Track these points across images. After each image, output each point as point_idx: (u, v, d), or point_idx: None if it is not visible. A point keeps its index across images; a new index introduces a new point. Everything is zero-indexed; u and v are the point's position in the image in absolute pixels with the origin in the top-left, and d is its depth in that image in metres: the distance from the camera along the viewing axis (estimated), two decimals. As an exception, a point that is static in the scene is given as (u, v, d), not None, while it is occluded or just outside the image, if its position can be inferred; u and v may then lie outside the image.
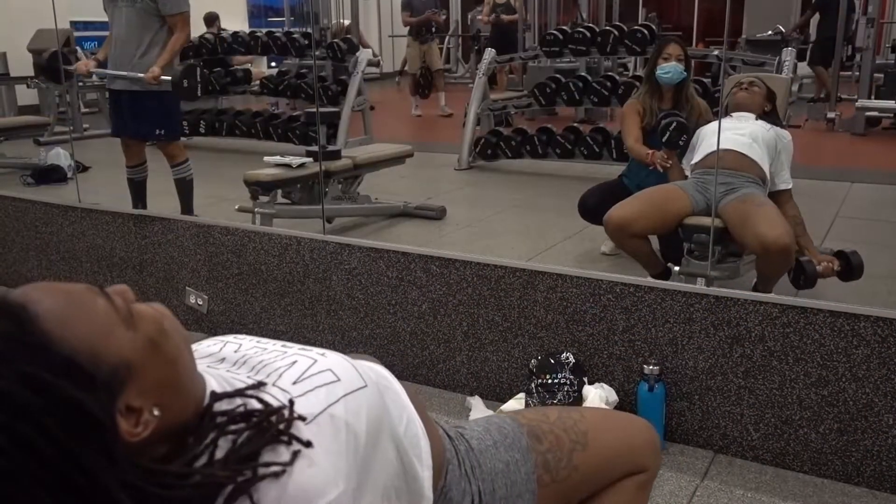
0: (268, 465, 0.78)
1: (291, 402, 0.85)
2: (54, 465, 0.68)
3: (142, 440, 0.75)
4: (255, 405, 0.85)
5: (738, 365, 2.15)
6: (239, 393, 0.87)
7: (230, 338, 1.04)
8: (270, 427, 0.81)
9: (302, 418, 0.83)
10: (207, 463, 0.79)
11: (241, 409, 0.84)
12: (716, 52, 5.69)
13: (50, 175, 5.70)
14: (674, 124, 3.11)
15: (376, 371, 1.02)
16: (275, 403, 0.85)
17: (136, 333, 0.78)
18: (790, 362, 2.08)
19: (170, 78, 3.75)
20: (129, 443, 0.74)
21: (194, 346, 0.99)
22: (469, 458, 1.13)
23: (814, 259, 2.83)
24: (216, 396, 0.86)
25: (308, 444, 0.81)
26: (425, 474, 0.99)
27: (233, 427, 0.82)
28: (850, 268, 2.88)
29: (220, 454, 0.80)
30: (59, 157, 5.83)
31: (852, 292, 3.20)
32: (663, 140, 3.13)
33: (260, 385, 0.88)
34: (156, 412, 0.77)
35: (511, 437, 1.17)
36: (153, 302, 0.86)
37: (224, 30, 8.37)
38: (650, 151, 3.18)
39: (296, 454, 0.80)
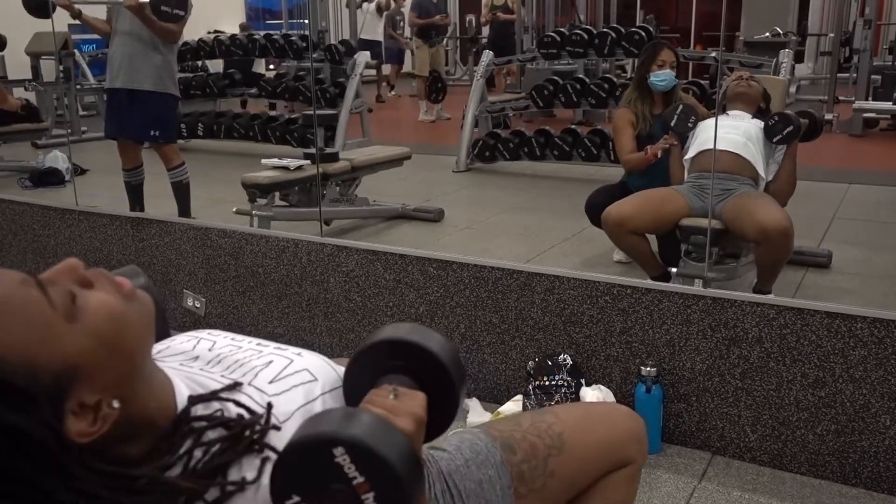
0: (236, 483, 0.77)
1: (270, 406, 0.83)
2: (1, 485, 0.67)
3: (102, 436, 0.72)
4: (233, 409, 0.83)
5: (736, 366, 2.15)
6: (215, 395, 0.84)
7: (204, 333, 1.00)
8: (245, 438, 0.79)
9: (276, 427, 0.81)
10: (181, 473, 0.77)
11: (219, 413, 0.82)
12: (713, 54, 5.69)
13: (47, 178, 5.70)
14: (680, 107, 3.11)
15: None
16: (252, 405, 0.84)
17: (79, 327, 0.72)
18: (787, 363, 2.08)
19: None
20: (84, 444, 0.71)
21: (166, 343, 0.97)
22: (440, 481, 1.09)
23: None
24: (193, 400, 0.83)
25: None
26: None
27: (209, 436, 0.79)
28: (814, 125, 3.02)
29: (192, 464, 0.78)
30: (57, 159, 5.83)
31: (848, 294, 3.20)
32: (672, 125, 3.11)
33: (236, 385, 0.86)
34: (115, 404, 0.73)
35: (483, 453, 1.13)
36: (102, 271, 0.78)
37: (221, 32, 8.38)
38: (645, 149, 3.18)
39: (265, 462, 0.78)
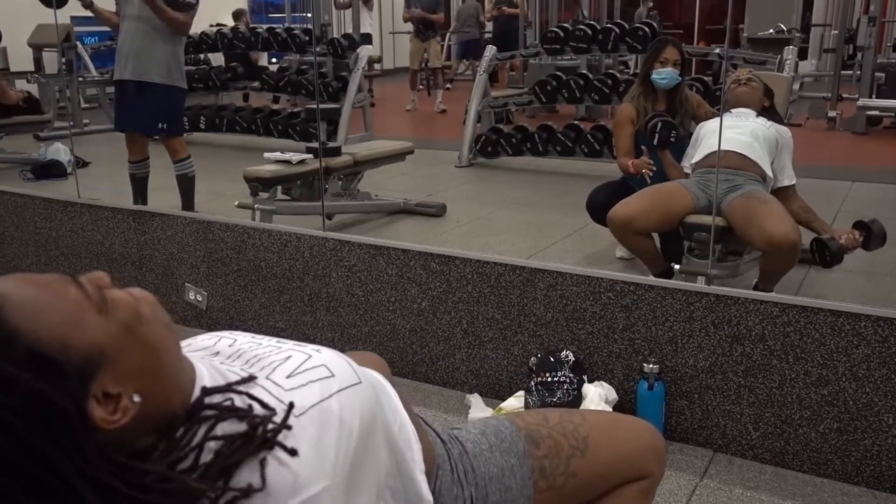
0: (244, 490, 0.77)
1: (291, 405, 0.84)
2: (14, 460, 0.68)
3: (121, 427, 0.75)
4: (246, 402, 0.84)
5: (738, 364, 2.15)
6: (229, 388, 0.86)
7: (225, 333, 1.03)
8: (258, 436, 0.80)
9: (288, 427, 0.82)
10: (190, 467, 0.78)
11: (229, 403, 0.83)
12: (717, 51, 5.68)
13: (49, 170, 5.69)
14: (659, 124, 3.12)
15: (370, 372, 1.02)
16: (267, 399, 0.84)
17: (109, 319, 0.77)
18: (790, 361, 2.08)
19: None
20: (107, 430, 0.73)
21: (188, 341, 0.99)
22: (462, 462, 1.11)
23: (834, 235, 2.82)
24: (207, 391, 0.85)
25: (293, 453, 0.80)
26: (420, 476, 0.99)
27: (222, 429, 0.80)
28: (871, 235, 2.83)
29: (205, 458, 0.79)
30: (59, 152, 5.82)
31: (852, 292, 3.20)
32: (654, 143, 3.15)
33: (251, 378, 0.87)
34: (136, 398, 0.76)
35: (508, 441, 1.15)
36: (133, 288, 0.85)
37: (223, 25, 8.36)
38: (630, 163, 3.20)
39: (275, 461, 0.79)
